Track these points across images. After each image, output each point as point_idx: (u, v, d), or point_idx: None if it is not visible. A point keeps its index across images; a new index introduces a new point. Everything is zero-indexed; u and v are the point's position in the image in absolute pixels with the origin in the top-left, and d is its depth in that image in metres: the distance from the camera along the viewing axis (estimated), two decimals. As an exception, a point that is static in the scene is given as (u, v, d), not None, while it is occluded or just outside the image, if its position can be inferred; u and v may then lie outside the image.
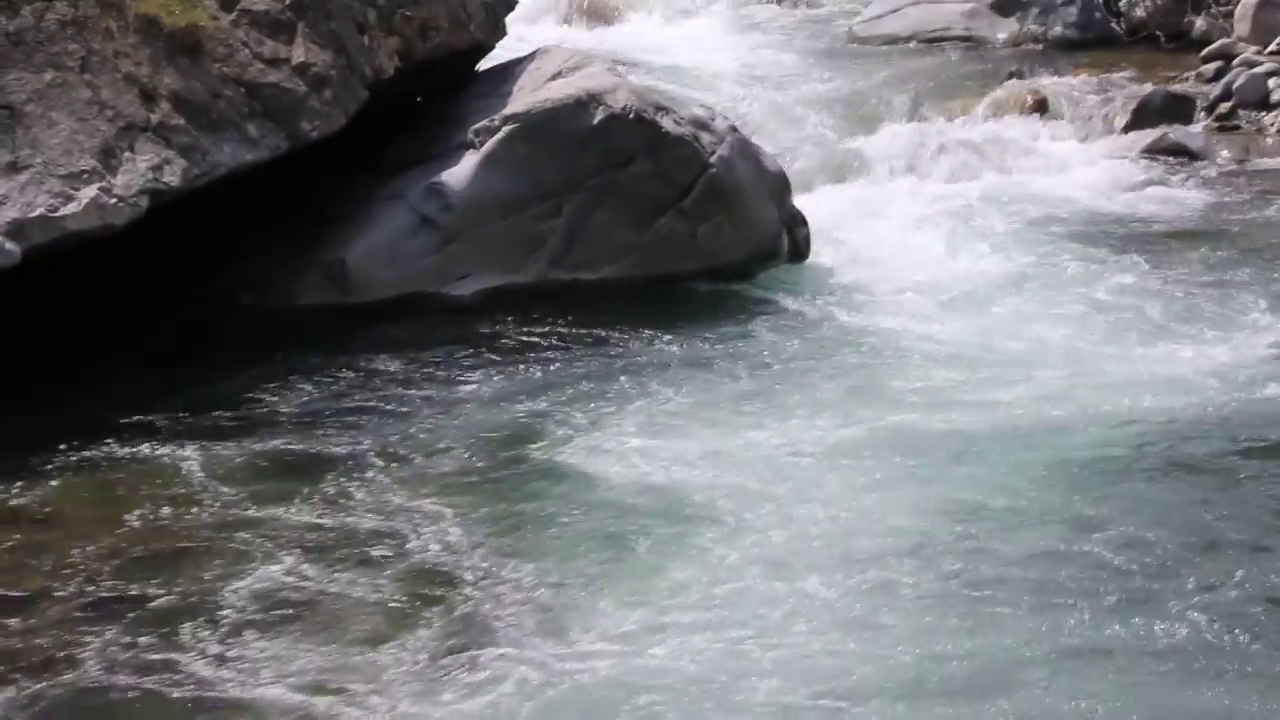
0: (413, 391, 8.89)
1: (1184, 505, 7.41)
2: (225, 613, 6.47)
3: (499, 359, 9.30)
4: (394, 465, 7.92)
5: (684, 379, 9.01)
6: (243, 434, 8.29)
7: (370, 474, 7.81)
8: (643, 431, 8.22)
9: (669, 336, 9.64)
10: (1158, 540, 6.93)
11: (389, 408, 8.67)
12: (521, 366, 9.23)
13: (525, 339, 9.59)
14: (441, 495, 7.55)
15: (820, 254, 11.03)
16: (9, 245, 8.13)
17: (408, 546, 7.06)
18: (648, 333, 9.68)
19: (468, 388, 8.94)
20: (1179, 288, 10.51)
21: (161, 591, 6.68)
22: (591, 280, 10.34)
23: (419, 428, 8.38)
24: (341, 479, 7.75)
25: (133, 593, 6.70)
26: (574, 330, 9.67)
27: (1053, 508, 7.34)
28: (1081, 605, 6.40)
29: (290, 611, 6.54)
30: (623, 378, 9.03)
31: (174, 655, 6.18)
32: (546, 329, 9.70)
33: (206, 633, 6.31)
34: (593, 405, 8.61)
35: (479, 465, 7.97)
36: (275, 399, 8.74)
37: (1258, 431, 8.18)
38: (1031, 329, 9.79)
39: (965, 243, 11.37)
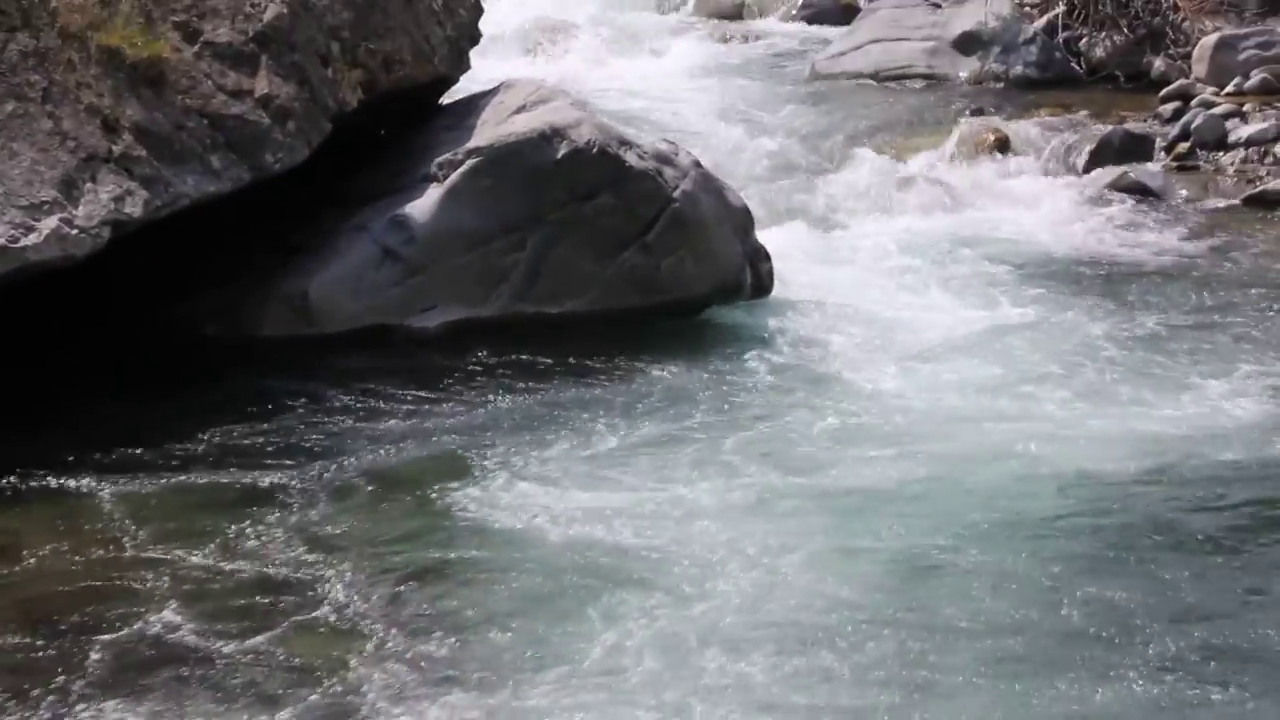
0: (360, 426, 8.78)
1: (1145, 566, 7.22)
2: (91, 669, 6.13)
3: (453, 395, 9.22)
4: (316, 509, 7.74)
5: (632, 421, 8.86)
6: (170, 469, 8.13)
7: (290, 517, 7.63)
8: (577, 481, 8.05)
9: (626, 374, 9.58)
10: (1119, 604, 6.75)
11: (328, 444, 8.52)
12: (473, 403, 9.13)
13: (482, 374, 9.51)
14: (358, 545, 7.42)
15: (783, 290, 10.99)
16: (-32, 276, 8.14)
17: (308, 599, 6.83)
18: (605, 370, 9.62)
19: (413, 424, 8.82)
20: (1141, 333, 10.44)
21: (31, 642, 6.41)
22: (555, 314, 10.32)
23: (352, 467, 8.24)
24: (261, 522, 7.54)
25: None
26: (533, 366, 9.59)
27: (1005, 571, 7.10)
28: (1037, 676, 6.18)
29: (164, 669, 6.23)
30: (570, 418, 8.90)
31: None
32: (506, 364, 9.62)
33: (55, 698, 5.94)
34: (534, 449, 8.45)
35: (401, 512, 7.81)
36: (216, 433, 8.59)
37: (1220, 488, 8.06)
38: (990, 379, 9.66)
39: (927, 283, 11.35)
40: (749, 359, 9.88)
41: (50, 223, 8.43)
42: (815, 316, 10.62)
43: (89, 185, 8.68)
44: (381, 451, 8.44)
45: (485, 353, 9.74)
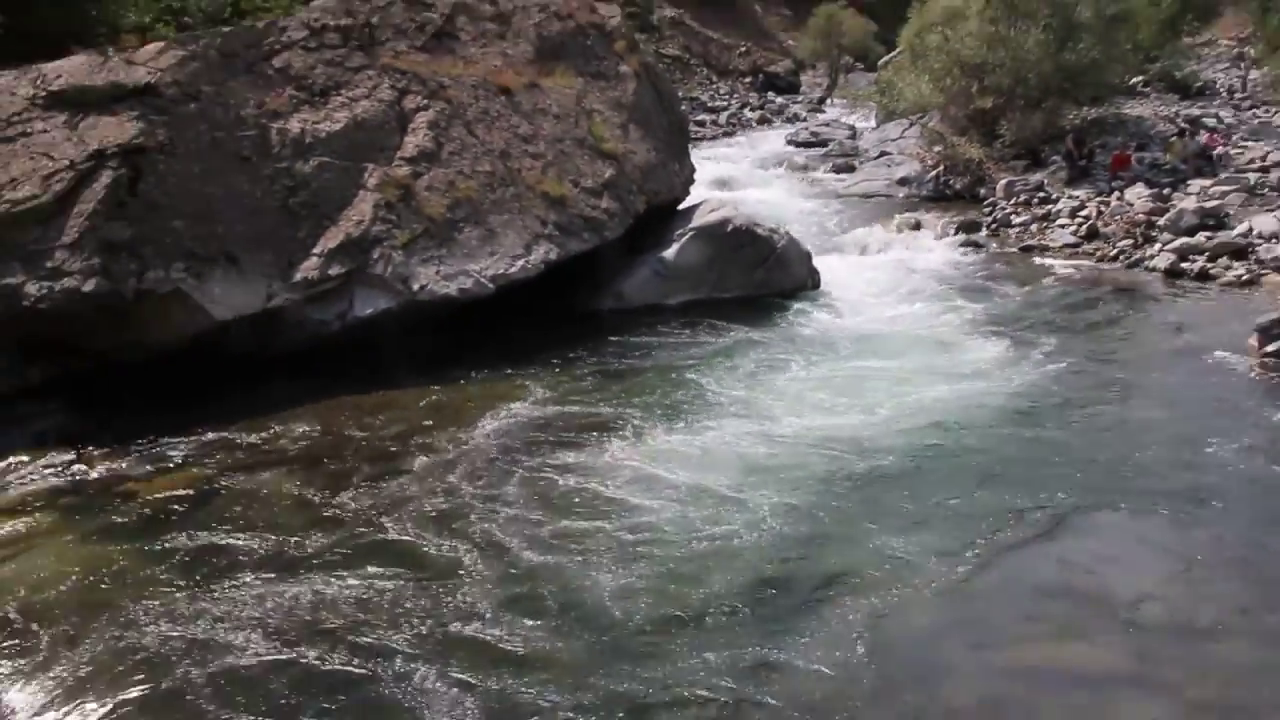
0: (648, 349, 8.29)
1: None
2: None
3: (688, 334, 8.94)
4: (621, 392, 7.06)
5: (758, 348, 8.26)
6: (563, 373, 7.62)
7: (618, 401, 6.89)
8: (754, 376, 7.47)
9: (758, 321, 9.24)
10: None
11: (635, 358, 8.00)
12: (695, 337, 8.79)
13: (700, 323, 9.27)
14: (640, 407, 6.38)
15: (826, 286, 10.77)
16: (490, 285, 8.40)
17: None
18: (751, 319, 9.31)
19: (671, 349, 8.39)
20: (960, 300, 9.78)
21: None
22: (726, 298, 10.24)
23: (650, 366, 7.66)
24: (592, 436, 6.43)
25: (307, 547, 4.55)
26: (716, 321, 9.31)
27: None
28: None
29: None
30: (734, 345, 8.42)
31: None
32: (708, 318, 9.42)
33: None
34: (725, 359, 7.87)
35: (669, 387, 7.00)
36: (586, 351, 8.20)
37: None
38: (917, 314, 9.21)
39: (889, 280, 11.01)
40: (810, 316, 9.65)
41: (520, 263, 8.72)
42: (838, 296, 10.46)
43: (535, 247, 8.97)
44: (661, 359, 8.27)
45: (698, 316, 9.59)
